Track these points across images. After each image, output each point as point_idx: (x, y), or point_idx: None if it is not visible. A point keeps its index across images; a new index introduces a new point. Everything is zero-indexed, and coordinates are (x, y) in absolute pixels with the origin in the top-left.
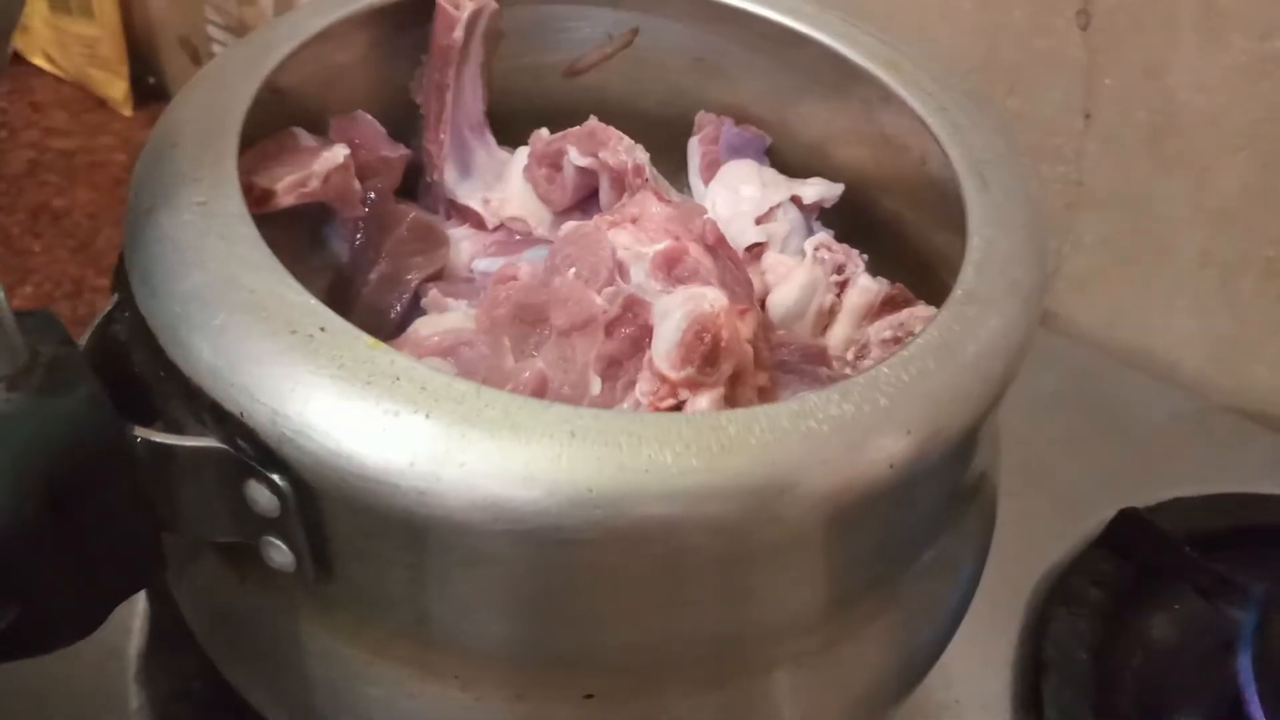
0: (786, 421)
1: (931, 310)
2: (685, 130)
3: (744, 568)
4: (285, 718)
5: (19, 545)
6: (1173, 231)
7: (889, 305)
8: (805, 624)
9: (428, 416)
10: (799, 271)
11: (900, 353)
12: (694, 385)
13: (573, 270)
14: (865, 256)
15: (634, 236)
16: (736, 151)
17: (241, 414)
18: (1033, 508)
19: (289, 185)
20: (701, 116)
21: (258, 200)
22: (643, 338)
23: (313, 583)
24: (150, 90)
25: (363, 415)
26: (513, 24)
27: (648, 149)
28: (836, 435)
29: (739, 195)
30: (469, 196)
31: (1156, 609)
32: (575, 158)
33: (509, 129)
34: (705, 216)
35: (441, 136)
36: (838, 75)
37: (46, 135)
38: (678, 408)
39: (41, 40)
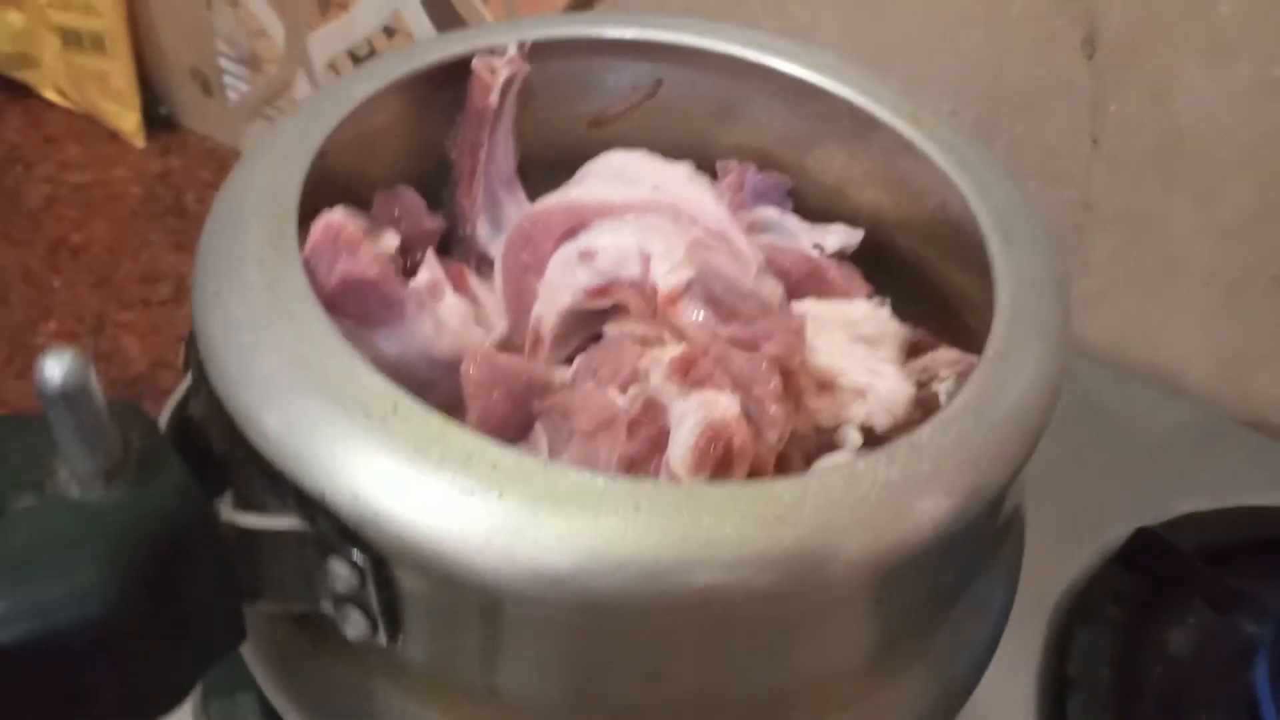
0: (837, 490)
1: (955, 353)
2: (707, 173)
3: (794, 627)
4: None
5: (121, 628)
6: (1179, 250)
7: (912, 351)
8: (849, 674)
9: (500, 495)
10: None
11: (940, 415)
12: None
13: (592, 383)
14: (887, 298)
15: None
16: (760, 196)
17: (323, 497)
18: (1048, 526)
19: None
20: (725, 164)
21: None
22: (661, 439)
23: (386, 649)
24: (161, 121)
25: (440, 495)
26: (542, 79)
27: None
28: (885, 501)
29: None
30: (500, 250)
31: (1173, 624)
32: None
33: (533, 179)
34: None
35: (475, 192)
36: (859, 126)
37: (61, 169)
38: None
39: (54, 75)
